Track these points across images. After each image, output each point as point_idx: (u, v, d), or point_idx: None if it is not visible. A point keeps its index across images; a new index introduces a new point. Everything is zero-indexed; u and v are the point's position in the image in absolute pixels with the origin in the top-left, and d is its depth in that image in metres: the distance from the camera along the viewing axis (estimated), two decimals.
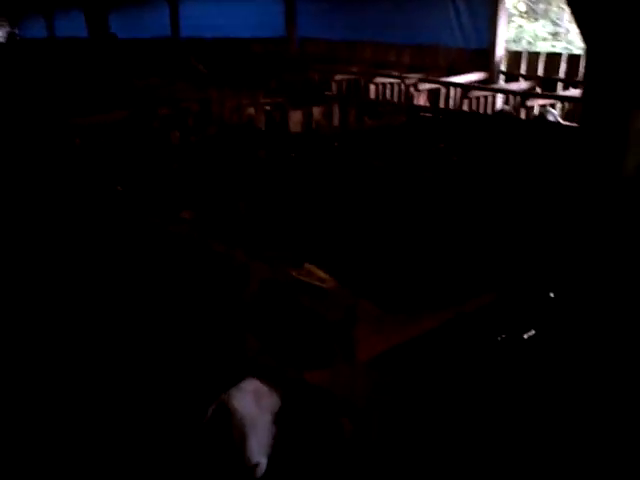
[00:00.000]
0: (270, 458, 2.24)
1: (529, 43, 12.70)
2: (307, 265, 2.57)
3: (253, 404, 2.25)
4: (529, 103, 8.03)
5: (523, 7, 13.34)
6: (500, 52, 9.28)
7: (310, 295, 2.42)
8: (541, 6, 13.48)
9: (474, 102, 8.65)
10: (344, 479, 2.31)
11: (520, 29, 13.08)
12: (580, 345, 3.24)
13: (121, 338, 3.12)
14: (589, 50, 2.96)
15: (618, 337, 3.29)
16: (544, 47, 11.92)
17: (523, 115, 8.01)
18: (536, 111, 8.11)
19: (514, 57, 9.44)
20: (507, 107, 8.47)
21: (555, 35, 12.93)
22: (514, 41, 12.73)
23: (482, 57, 9.40)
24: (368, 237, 3.41)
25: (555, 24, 12.90)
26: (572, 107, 7.93)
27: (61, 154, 4.93)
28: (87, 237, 3.77)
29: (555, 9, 12.88)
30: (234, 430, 2.20)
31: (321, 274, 2.52)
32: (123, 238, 3.53)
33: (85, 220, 3.86)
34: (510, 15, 12.62)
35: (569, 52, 9.64)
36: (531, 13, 13.51)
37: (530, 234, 3.36)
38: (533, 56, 9.22)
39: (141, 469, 2.53)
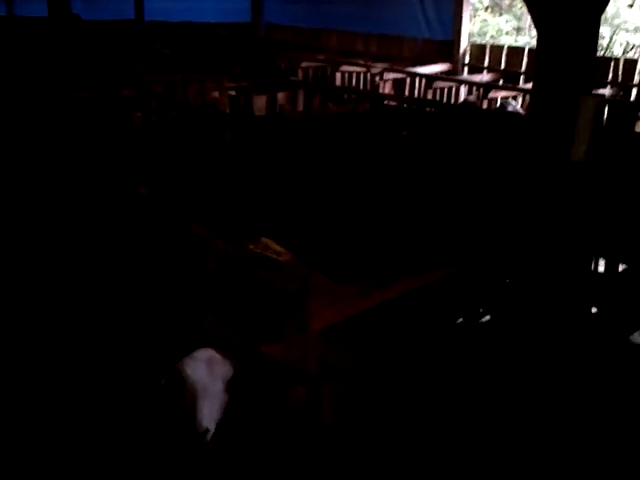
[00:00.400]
0: (222, 424, 2.27)
1: (493, 37, 12.90)
2: (264, 239, 2.60)
3: (206, 372, 2.28)
4: (491, 95, 8.18)
5: (487, 1, 13.54)
6: (464, 44, 9.42)
7: (266, 268, 2.45)
8: (505, 1, 13.70)
9: (438, 92, 8.75)
10: (296, 445, 2.36)
11: (484, 23, 13.27)
12: (532, 330, 3.34)
13: (83, 308, 3.12)
14: (540, 34, 3.04)
15: (568, 324, 3.41)
16: (507, 41, 12.12)
17: (485, 106, 8.15)
18: (498, 103, 8.28)
19: (478, 50, 9.59)
20: (472, 97, 8.61)
21: (518, 30, 13.16)
22: (478, 35, 12.91)
23: (447, 49, 9.53)
24: (324, 212, 3.46)
25: (518, 19, 13.12)
26: None
27: (20, 130, 4.84)
28: (43, 210, 3.73)
29: (519, 4, 13.08)
30: (186, 396, 2.23)
31: (277, 247, 2.55)
32: (78, 212, 3.50)
33: (41, 193, 3.82)
34: (475, 9, 12.80)
35: (531, 46, 9.83)
36: (495, 7, 13.72)
37: (486, 217, 3.44)
38: (496, 49, 9.39)
39: (98, 435, 2.54)
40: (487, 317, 3.59)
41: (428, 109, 6.53)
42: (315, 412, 2.42)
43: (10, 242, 3.80)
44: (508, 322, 3.49)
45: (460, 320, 3.41)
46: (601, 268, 3.88)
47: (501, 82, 8.82)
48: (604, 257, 3.91)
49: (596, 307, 3.76)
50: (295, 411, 2.37)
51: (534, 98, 3.17)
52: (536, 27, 3.04)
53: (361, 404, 2.59)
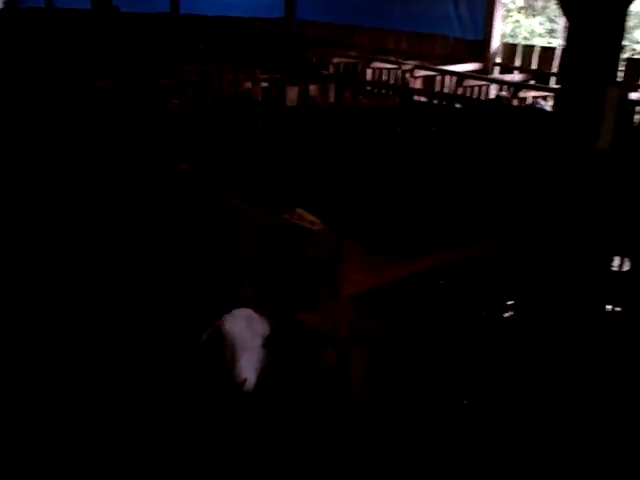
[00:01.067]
0: (260, 380, 2.42)
1: (525, 39, 12.88)
2: (299, 210, 2.74)
3: (245, 327, 2.43)
4: (521, 94, 8.24)
5: (521, 2, 13.53)
6: (496, 44, 9.48)
7: (301, 237, 2.60)
8: (539, 3, 13.67)
9: (468, 91, 8.82)
10: (325, 404, 2.50)
11: (517, 24, 13.27)
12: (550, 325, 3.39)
13: (128, 278, 3.31)
14: (570, 28, 3.15)
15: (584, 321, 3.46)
16: (540, 43, 12.11)
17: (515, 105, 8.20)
18: (528, 102, 8.33)
19: (510, 50, 9.64)
20: (504, 93, 8.65)
21: (551, 32, 13.13)
22: (511, 36, 12.92)
23: (479, 48, 9.59)
24: (358, 189, 3.60)
25: (552, 21, 13.09)
26: None
27: (62, 111, 5.06)
28: (87, 184, 3.94)
29: (553, 6, 13.05)
30: (226, 349, 2.39)
31: (311, 218, 2.70)
32: (122, 187, 3.70)
33: (85, 168, 4.03)
34: (508, 10, 12.81)
35: (563, 47, 9.83)
36: (529, 9, 13.70)
37: (510, 205, 3.54)
38: (528, 50, 9.42)
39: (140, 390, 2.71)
40: (510, 313, 3.67)
41: (458, 105, 6.62)
42: (344, 380, 2.54)
43: (55, 212, 4.02)
44: (529, 313, 3.56)
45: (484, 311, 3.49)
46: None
47: (532, 82, 8.85)
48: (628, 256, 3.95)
49: (614, 305, 3.80)
50: (326, 375, 2.50)
51: (562, 89, 3.27)
52: (567, 19, 3.14)
53: (392, 378, 2.69)
